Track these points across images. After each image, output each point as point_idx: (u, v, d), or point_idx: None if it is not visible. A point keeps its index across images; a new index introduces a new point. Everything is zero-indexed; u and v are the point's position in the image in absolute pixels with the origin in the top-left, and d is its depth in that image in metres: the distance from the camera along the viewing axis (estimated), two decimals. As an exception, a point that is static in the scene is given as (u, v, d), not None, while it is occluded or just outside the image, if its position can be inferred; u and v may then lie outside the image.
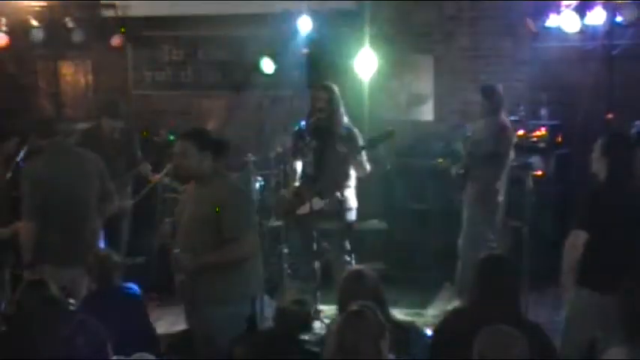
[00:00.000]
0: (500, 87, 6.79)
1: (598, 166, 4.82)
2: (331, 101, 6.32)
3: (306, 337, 4.35)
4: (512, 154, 6.80)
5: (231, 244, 4.46)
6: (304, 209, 6.26)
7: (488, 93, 6.70)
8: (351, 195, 6.45)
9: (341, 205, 6.35)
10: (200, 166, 4.55)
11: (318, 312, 6.19)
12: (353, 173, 6.45)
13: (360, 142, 6.35)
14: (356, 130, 6.44)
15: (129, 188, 7.17)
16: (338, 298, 4.02)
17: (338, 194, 6.31)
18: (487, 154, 6.54)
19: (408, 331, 4.02)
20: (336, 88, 6.45)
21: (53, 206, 5.50)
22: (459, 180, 6.78)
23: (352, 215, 6.48)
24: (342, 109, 6.39)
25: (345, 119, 6.41)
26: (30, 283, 4.15)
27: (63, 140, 5.70)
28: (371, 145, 6.25)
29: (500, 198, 6.73)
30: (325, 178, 6.30)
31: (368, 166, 6.39)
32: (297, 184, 6.56)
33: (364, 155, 6.32)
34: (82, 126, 7.53)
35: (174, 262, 4.51)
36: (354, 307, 3.50)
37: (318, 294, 6.30)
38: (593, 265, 4.70)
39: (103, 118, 6.98)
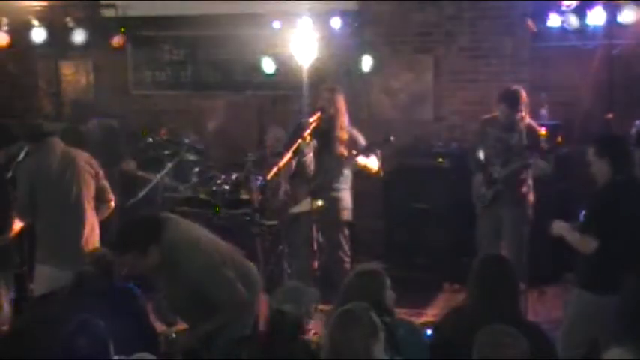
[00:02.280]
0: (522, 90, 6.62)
1: (596, 168, 4.81)
2: (333, 103, 6.32)
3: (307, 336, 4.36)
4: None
5: (219, 310, 4.39)
6: (298, 209, 6.27)
7: (512, 95, 6.53)
8: (346, 196, 6.46)
9: (335, 205, 6.37)
10: (152, 263, 4.35)
11: (318, 311, 6.20)
12: (349, 174, 6.45)
13: (362, 142, 6.34)
14: (355, 132, 6.44)
15: (125, 193, 7.15)
16: (345, 294, 4.00)
17: (332, 195, 6.33)
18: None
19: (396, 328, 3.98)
20: (339, 90, 6.44)
21: (48, 207, 5.52)
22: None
23: (348, 215, 6.49)
24: (345, 113, 6.38)
25: (347, 123, 6.41)
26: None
27: (53, 141, 5.71)
28: (369, 150, 6.25)
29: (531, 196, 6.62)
30: (321, 178, 6.31)
31: (376, 165, 6.34)
32: (287, 186, 6.58)
33: (368, 160, 6.30)
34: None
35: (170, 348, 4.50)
36: (346, 306, 3.51)
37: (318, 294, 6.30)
38: (596, 267, 4.70)
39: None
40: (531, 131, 6.44)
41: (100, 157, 6.72)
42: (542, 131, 6.94)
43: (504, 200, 6.43)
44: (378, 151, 6.32)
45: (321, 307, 6.23)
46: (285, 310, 4.04)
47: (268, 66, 8.39)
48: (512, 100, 6.34)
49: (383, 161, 6.56)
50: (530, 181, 6.52)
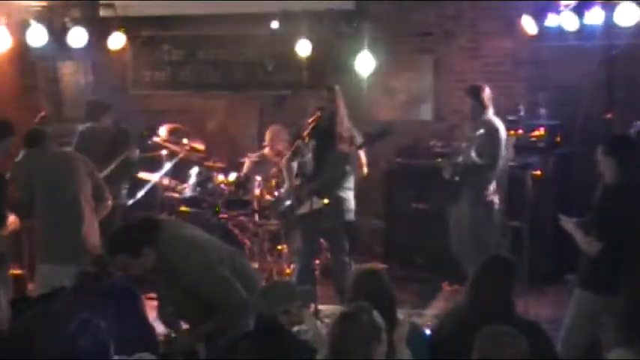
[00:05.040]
0: (486, 86, 6.76)
1: (602, 167, 4.81)
2: (333, 101, 6.32)
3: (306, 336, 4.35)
4: (507, 153, 6.75)
5: (218, 311, 4.38)
6: (303, 209, 6.26)
7: (476, 92, 6.67)
8: (350, 196, 6.45)
9: (340, 205, 6.36)
10: (146, 265, 4.33)
11: (318, 311, 6.20)
12: (352, 173, 6.44)
13: (359, 139, 6.34)
14: (356, 132, 6.44)
15: (124, 187, 7.15)
16: (349, 295, 3.99)
17: (337, 194, 6.32)
18: (479, 156, 6.54)
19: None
20: (338, 89, 6.45)
21: (46, 206, 5.56)
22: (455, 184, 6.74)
23: (351, 215, 6.48)
24: (344, 110, 6.38)
25: (346, 121, 6.41)
26: None
27: (49, 144, 5.77)
28: (367, 142, 6.25)
29: (494, 197, 6.70)
30: (324, 177, 6.31)
31: (365, 168, 6.41)
32: (295, 182, 6.57)
33: (362, 157, 6.34)
34: (81, 126, 7.54)
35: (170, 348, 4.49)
36: (348, 308, 3.50)
37: (318, 294, 6.30)
38: (597, 268, 4.70)
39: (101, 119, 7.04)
40: (488, 127, 6.56)
41: (110, 156, 6.75)
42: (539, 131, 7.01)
43: (467, 197, 6.63)
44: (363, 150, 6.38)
45: (320, 307, 6.26)
46: (258, 310, 4.01)
47: (268, 66, 8.40)
48: (476, 93, 6.62)
49: (382, 160, 6.59)
50: (493, 180, 6.61)
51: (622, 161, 4.71)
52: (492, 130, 6.58)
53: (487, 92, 6.67)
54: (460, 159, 6.64)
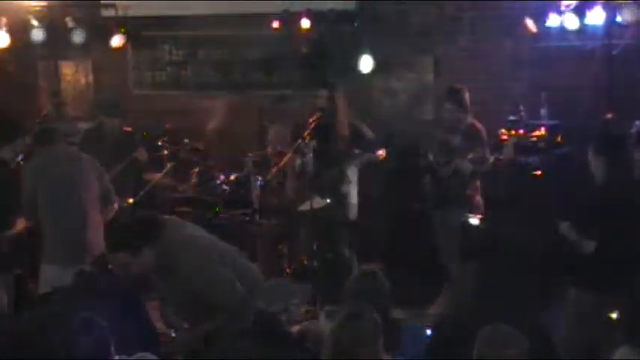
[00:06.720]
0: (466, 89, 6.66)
1: (594, 167, 4.83)
2: (333, 100, 6.33)
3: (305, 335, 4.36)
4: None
5: (219, 311, 4.39)
6: (305, 207, 6.27)
7: (457, 95, 6.58)
8: (352, 193, 6.44)
9: (342, 204, 6.36)
10: (147, 264, 4.34)
11: (318, 312, 6.20)
12: (355, 171, 6.45)
13: (368, 133, 6.33)
14: (360, 124, 6.43)
15: (130, 187, 7.16)
16: (344, 297, 4.01)
17: (340, 192, 6.33)
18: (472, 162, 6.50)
19: (401, 330, 4.00)
20: (337, 88, 6.45)
21: (52, 207, 5.54)
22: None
23: (354, 213, 6.48)
24: (345, 110, 6.39)
25: (346, 119, 6.42)
26: None
27: (60, 144, 5.75)
28: (373, 146, 6.27)
29: (478, 198, 6.67)
30: (325, 176, 6.31)
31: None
32: (297, 183, 6.58)
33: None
34: (83, 126, 7.54)
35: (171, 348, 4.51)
36: (351, 308, 3.51)
37: (318, 293, 6.31)
38: (594, 267, 4.71)
39: (102, 117, 7.01)
40: (472, 131, 6.45)
41: (117, 156, 6.75)
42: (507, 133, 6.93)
43: (451, 202, 6.53)
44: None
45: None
46: (259, 309, 4.01)
47: (269, 66, 8.39)
48: (457, 98, 6.46)
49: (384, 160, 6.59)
50: (477, 183, 6.56)
51: (612, 160, 4.73)
52: (479, 135, 6.52)
53: (467, 95, 6.56)
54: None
